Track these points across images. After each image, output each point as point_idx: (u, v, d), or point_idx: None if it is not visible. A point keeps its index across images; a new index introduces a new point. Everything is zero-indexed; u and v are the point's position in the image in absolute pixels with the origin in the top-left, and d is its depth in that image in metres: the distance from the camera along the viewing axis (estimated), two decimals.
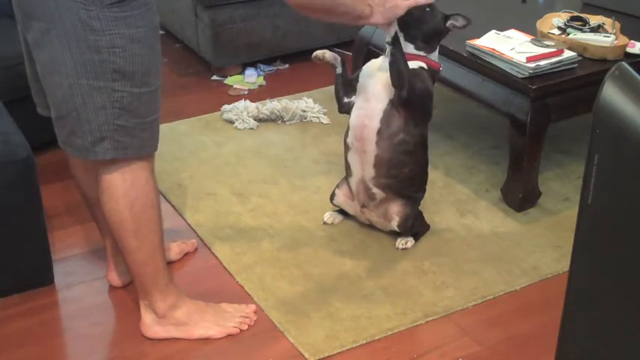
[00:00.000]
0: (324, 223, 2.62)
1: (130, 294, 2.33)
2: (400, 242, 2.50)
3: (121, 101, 1.82)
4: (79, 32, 1.74)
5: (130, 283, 2.28)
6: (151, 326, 2.12)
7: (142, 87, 1.84)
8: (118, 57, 1.78)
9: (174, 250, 2.45)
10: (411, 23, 2.33)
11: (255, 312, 2.22)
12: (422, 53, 2.41)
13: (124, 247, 2.00)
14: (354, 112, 2.44)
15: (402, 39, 2.34)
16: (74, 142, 1.88)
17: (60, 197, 2.73)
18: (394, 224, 2.46)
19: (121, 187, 1.93)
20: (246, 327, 2.18)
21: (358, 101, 2.44)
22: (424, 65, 2.41)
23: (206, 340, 2.14)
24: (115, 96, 1.81)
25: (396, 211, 2.45)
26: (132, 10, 1.77)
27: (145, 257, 2.02)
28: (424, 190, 2.56)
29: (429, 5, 2.36)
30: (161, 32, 4.25)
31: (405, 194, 2.46)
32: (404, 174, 2.42)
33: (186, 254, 2.48)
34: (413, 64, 2.36)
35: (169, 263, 2.33)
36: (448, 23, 2.40)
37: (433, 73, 2.43)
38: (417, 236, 2.54)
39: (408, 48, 2.37)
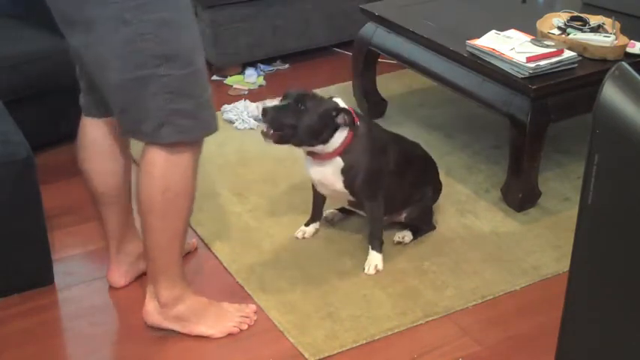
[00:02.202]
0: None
1: (130, 294, 2.33)
2: (398, 235, 2.50)
3: (170, 85, 1.83)
4: (112, 28, 1.77)
5: (130, 284, 2.28)
6: (152, 314, 2.12)
7: (187, 67, 1.85)
8: (152, 43, 1.79)
9: None
10: (295, 133, 2.21)
11: (255, 312, 2.22)
12: (323, 146, 2.26)
13: (147, 226, 2.00)
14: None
15: (304, 152, 2.29)
16: (140, 129, 1.90)
17: (60, 197, 2.73)
18: (401, 217, 2.49)
19: (162, 167, 1.93)
20: (246, 327, 2.18)
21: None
22: (344, 149, 2.27)
23: (206, 339, 2.14)
24: (163, 81, 1.82)
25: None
26: None
27: (165, 242, 2.02)
28: (435, 190, 2.57)
29: (300, 99, 2.22)
30: None
31: (408, 203, 2.48)
32: (391, 196, 2.42)
33: (187, 254, 2.47)
34: (334, 163, 2.29)
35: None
36: (339, 118, 2.24)
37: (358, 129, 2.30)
38: (418, 233, 2.53)
39: (317, 149, 2.26)
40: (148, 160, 1.94)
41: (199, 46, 1.92)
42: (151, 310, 2.12)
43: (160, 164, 1.93)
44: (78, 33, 1.84)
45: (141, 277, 2.32)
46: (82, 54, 1.88)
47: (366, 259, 2.42)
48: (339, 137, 2.26)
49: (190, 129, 1.91)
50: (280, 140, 2.24)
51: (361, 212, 2.52)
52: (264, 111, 2.21)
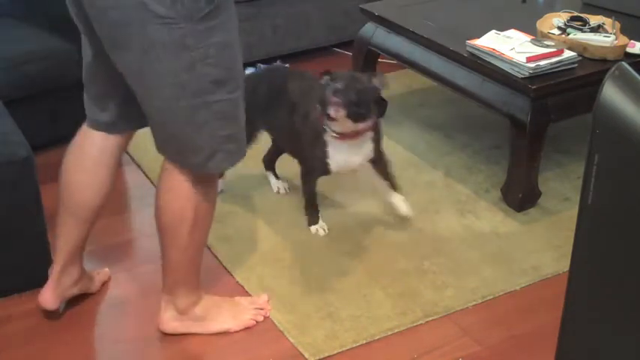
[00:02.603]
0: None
1: (131, 294, 2.33)
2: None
3: (222, 111, 1.79)
4: (172, 54, 1.69)
5: (60, 308, 2.20)
6: (170, 322, 2.12)
7: (236, 91, 1.82)
8: (211, 67, 1.73)
9: (95, 281, 2.33)
10: (362, 112, 2.25)
11: (268, 301, 2.24)
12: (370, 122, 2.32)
13: (175, 244, 1.97)
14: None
15: (345, 129, 2.31)
16: (188, 159, 1.86)
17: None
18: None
19: (191, 188, 1.89)
20: (261, 318, 2.20)
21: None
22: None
23: (206, 340, 2.14)
24: (215, 108, 1.78)
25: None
26: (220, 17, 1.72)
27: (189, 257, 2.02)
28: None
29: (358, 79, 2.27)
30: None
31: None
32: None
33: (104, 283, 2.37)
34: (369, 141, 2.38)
35: (91, 294, 2.30)
36: (378, 83, 2.31)
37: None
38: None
39: (358, 127, 2.31)
40: (172, 186, 1.91)
41: (243, 69, 1.88)
42: (169, 319, 2.12)
43: (191, 185, 1.89)
44: (129, 59, 1.74)
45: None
46: (132, 80, 1.79)
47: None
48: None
49: (236, 153, 1.90)
50: (351, 116, 2.24)
51: None
52: (336, 91, 2.19)
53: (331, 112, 2.20)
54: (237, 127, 1.87)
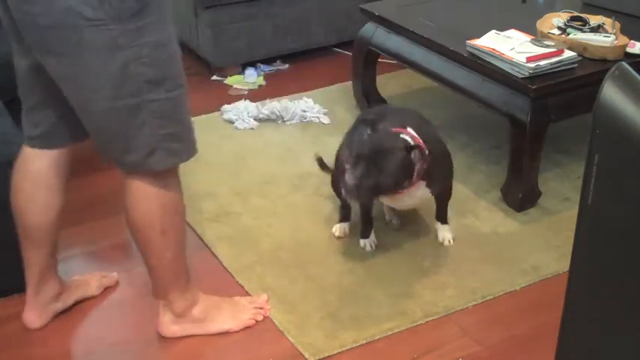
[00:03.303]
0: (337, 237, 2.56)
1: (131, 295, 2.33)
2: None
3: (161, 110, 1.79)
4: (104, 55, 1.69)
5: (47, 323, 2.19)
6: (169, 325, 2.12)
7: (176, 90, 1.81)
8: (146, 67, 1.73)
9: (95, 284, 2.33)
10: (379, 193, 2.18)
11: (267, 301, 2.25)
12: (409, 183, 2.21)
13: (151, 248, 1.97)
14: None
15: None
16: (126, 160, 1.84)
17: None
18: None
19: (154, 189, 1.89)
20: (261, 318, 2.20)
21: None
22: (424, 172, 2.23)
23: (206, 340, 2.14)
24: (153, 106, 1.77)
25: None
26: (151, 16, 1.71)
27: (170, 258, 2.00)
28: None
29: (376, 160, 2.09)
30: None
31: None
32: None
33: (107, 288, 2.36)
34: (420, 189, 2.29)
35: (90, 299, 2.29)
36: (412, 155, 2.14)
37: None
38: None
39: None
40: (137, 191, 1.90)
41: (183, 70, 1.86)
42: (168, 322, 2.12)
43: (153, 187, 1.89)
44: (59, 64, 1.73)
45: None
46: (63, 85, 1.78)
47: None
48: (417, 167, 2.19)
49: (179, 152, 1.88)
50: (372, 199, 2.28)
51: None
52: (349, 190, 2.09)
53: (348, 199, 2.25)
54: (179, 126, 1.86)
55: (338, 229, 2.57)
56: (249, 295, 2.30)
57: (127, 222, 1.96)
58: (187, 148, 1.91)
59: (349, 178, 2.08)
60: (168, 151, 1.85)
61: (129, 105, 1.75)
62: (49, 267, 2.15)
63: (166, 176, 1.90)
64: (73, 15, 1.63)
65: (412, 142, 2.17)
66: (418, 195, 2.33)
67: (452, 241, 2.52)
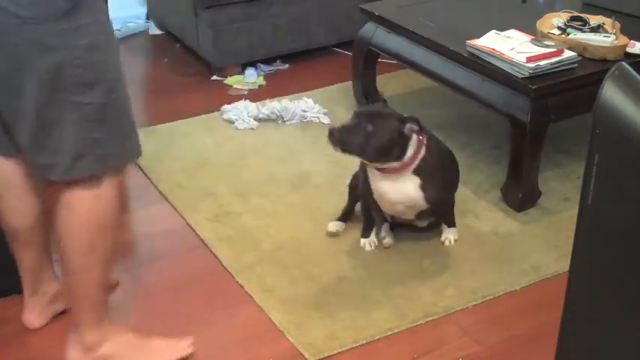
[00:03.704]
0: (328, 231, 2.57)
1: (131, 295, 2.33)
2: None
3: (93, 113, 1.74)
4: (34, 53, 1.65)
5: (46, 324, 2.18)
6: (76, 358, 1.99)
7: (110, 94, 1.76)
8: (80, 68, 1.69)
9: None
10: (359, 152, 2.20)
11: (191, 345, 2.10)
12: (398, 163, 2.25)
13: (73, 265, 1.88)
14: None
15: (371, 170, 2.28)
16: (54, 165, 1.77)
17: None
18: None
19: (87, 202, 1.82)
20: None
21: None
22: (417, 165, 2.27)
23: (206, 340, 2.14)
24: (86, 109, 1.72)
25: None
26: (85, 18, 1.68)
27: (92, 280, 1.91)
28: None
29: (371, 119, 2.19)
30: (161, 32, 4.29)
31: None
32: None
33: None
34: (409, 180, 2.29)
35: None
36: (406, 128, 2.21)
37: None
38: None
39: (382, 165, 2.25)
40: (68, 201, 1.82)
41: (121, 73, 1.82)
42: (75, 356, 1.99)
43: (82, 199, 1.82)
44: None
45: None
46: None
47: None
48: (410, 150, 2.24)
49: (106, 159, 1.80)
50: (348, 153, 2.22)
51: (417, 223, 2.53)
52: (330, 132, 2.18)
53: (330, 146, 2.21)
54: (111, 131, 1.79)
55: (333, 225, 2.58)
56: (250, 296, 2.30)
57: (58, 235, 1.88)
58: (120, 154, 1.84)
59: (341, 126, 2.18)
60: (98, 157, 1.78)
61: (60, 105, 1.71)
62: (43, 267, 2.13)
63: (101, 187, 1.83)
64: (6, 15, 1.62)
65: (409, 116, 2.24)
66: (407, 191, 2.30)
67: (452, 241, 2.52)
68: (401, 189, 2.31)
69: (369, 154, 2.22)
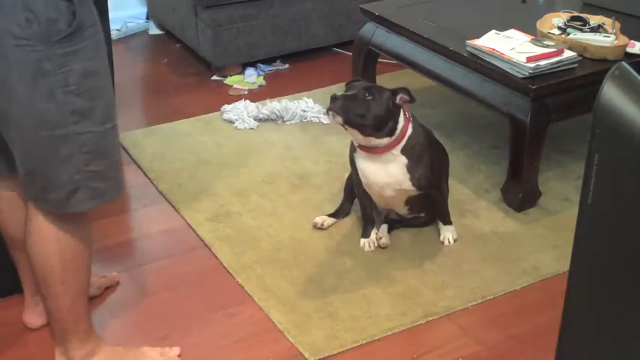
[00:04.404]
0: (316, 226, 2.59)
1: (131, 294, 2.33)
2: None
3: (88, 144, 1.68)
4: (28, 79, 1.59)
5: (46, 324, 2.14)
6: None
7: (106, 123, 1.70)
8: (73, 95, 1.63)
9: (95, 284, 2.27)
10: (360, 122, 2.20)
11: (179, 355, 2.08)
12: (389, 139, 2.26)
13: (48, 292, 1.86)
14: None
15: (359, 141, 2.28)
16: (47, 197, 1.72)
17: None
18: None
19: (54, 231, 1.77)
20: None
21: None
22: (404, 143, 2.29)
23: (206, 340, 2.14)
24: (81, 140, 1.66)
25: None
26: (83, 42, 1.62)
27: (69, 304, 1.88)
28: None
29: (368, 90, 2.22)
30: (161, 32, 4.29)
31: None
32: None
33: (107, 288, 2.33)
34: (397, 159, 2.30)
35: (90, 299, 2.19)
36: (398, 98, 2.26)
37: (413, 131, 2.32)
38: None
39: (373, 142, 2.25)
40: (35, 228, 1.78)
41: (115, 101, 1.78)
42: None
43: (52, 228, 1.77)
44: None
45: None
46: None
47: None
48: (399, 127, 2.28)
49: (103, 193, 1.75)
50: (348, 123, 2.21)
51: (409, 216, 2.55)
52: (333, 97, 2.18)
53: (329, 117, 2.21)
54: (107, 164, 1.74)
55: (320, 217, 2.59)
56: (249, 295, 2.30)
57: (28, 257, 1.84)
58: (112, 189, 1.79)
59: (342, 95, 2.20)
60: (93, 191, 1.73)
61: (54, 136, 1.64)
62: None
63: (74, 221, 1.78)
64: (0, 32, 1.55)
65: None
66: (394, 172, 2.30)
67: (451, 241, 2.52)
68: (388, 169, 2.32)
69: (369, 123, 2.22)
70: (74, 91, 1.63)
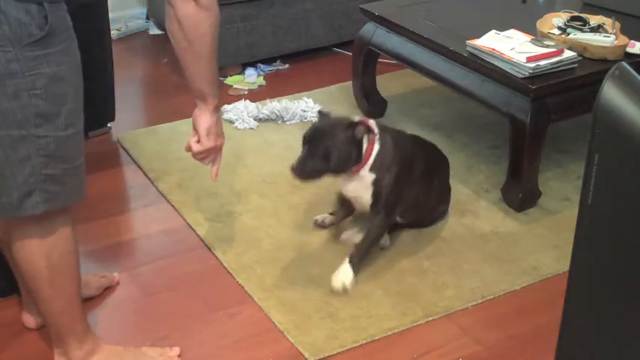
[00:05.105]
0: (316, 223, 2.60)
1: (131, 294, 2.33)
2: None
3: (47, 148, 1.66)
4: None
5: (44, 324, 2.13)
6: None
7: (68, 129, 1.69)
8: (39, 99, 1.61)
9: (94, 284, 2.29)
10: (327, 171, 2.24)
11: (179, 356, 2.08)
12: (357, 165, 2.28)
13: (38, 296, 1.86)
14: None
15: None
16: (1, 198, 1.69)
17: None
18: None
19: (37, 235, 1.77)
20: None
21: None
22: (372, 162, 2.29)
23: (206, 340, 2.14)
24: (40, 143, 1.65)
25: None
26: (54, 47, 1.61)
27: (61, 306, 1.88)
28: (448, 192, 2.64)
29: (323, 137, 2.22)
30: (161, 32, 4.29)
31: None
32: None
33: (106, 288, 2.33)
34: (365, 178, 2.30)
35: (89, 299, 2.24)
36: (356, 132, 2.24)
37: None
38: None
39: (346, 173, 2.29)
40: (18, 235, 1.77)
41: (82, 108, 1.75)
42: None
43: (35, 233, 1.76)
44: None
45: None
46: None
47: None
48: (364, 151, 2.28)
49: (57, 197, 1.73)
50: (314, 180, 2.29)
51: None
52: (292, 169, 2.23)
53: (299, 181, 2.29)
54: (66, 168, 1.72)
55: (322, 216, 2.60)
56: (249, 295, 2.30)
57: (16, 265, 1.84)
58: (68, 192, 1.76)
59: (298, 159, 2.23)
60: (47, 194, 1.71)
61: (13, 136, 1.63)
62: None
63: (52, 221, 1.77)
64: None
65: (355, 120, 2.27)
66: (361, 185, 2.32)
67: (342, 287, 2.28)
68: (357, 187, 2.34)
69: (334, 170, 2.26)
70: (40, 94, 1.62)
